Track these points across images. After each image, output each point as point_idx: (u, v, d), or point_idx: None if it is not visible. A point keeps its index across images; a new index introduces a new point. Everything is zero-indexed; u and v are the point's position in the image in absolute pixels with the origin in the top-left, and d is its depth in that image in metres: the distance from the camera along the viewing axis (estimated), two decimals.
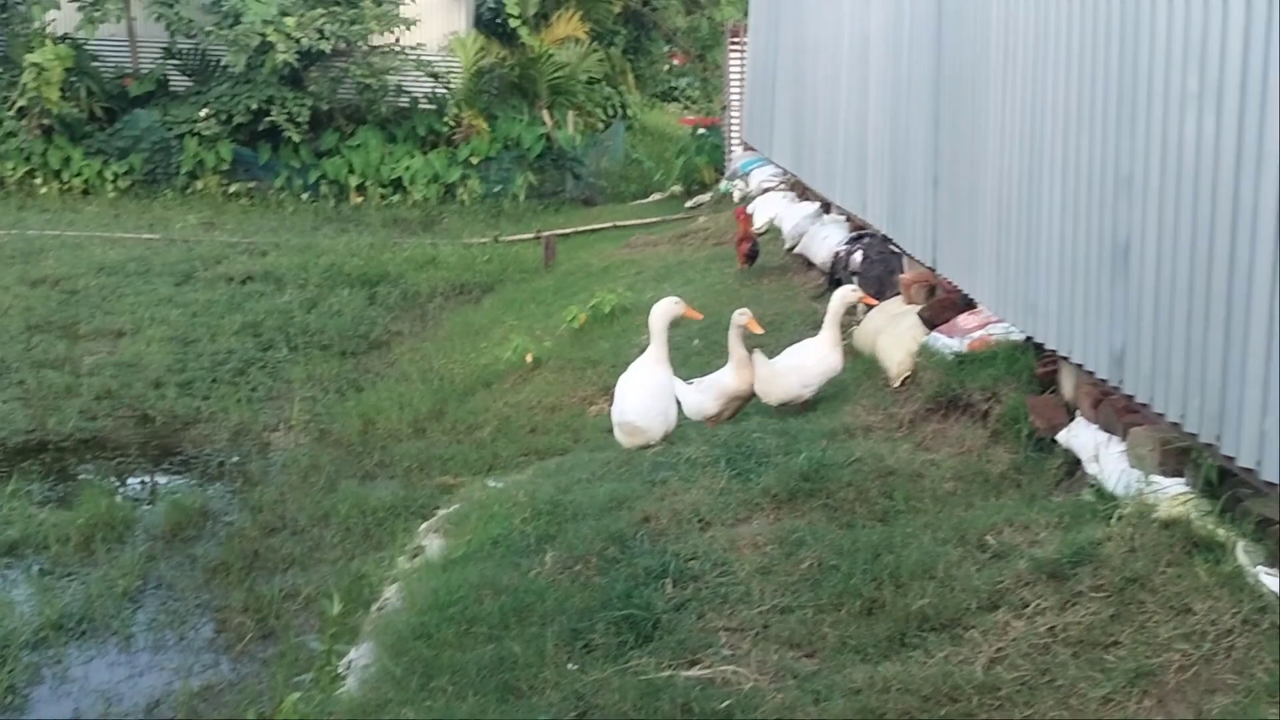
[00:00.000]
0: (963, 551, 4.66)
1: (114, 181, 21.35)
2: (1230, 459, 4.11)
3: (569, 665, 4.42)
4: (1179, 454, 4.49)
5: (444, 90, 22.59)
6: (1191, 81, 4.32)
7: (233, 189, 21.54)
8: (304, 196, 21.61)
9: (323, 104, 21.49)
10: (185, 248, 16.90)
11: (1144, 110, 4.71)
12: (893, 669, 3.97)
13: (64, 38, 21.24)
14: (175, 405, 10.74)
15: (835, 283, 10.31)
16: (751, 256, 11.93)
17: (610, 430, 8.51)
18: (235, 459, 9.61)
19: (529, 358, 10.37)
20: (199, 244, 17.19)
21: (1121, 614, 3.88)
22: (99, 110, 21.76)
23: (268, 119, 21.01)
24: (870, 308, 8.54)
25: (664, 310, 6.65)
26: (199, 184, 21.53)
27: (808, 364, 7.21)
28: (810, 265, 11.40)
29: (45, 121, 20.91)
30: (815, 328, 9.36)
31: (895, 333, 7.56)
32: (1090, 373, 5.27)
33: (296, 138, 21.20)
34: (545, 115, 22.84)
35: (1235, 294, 4.06)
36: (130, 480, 9.33)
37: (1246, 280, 3.98)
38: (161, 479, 9.34)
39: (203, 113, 21.24)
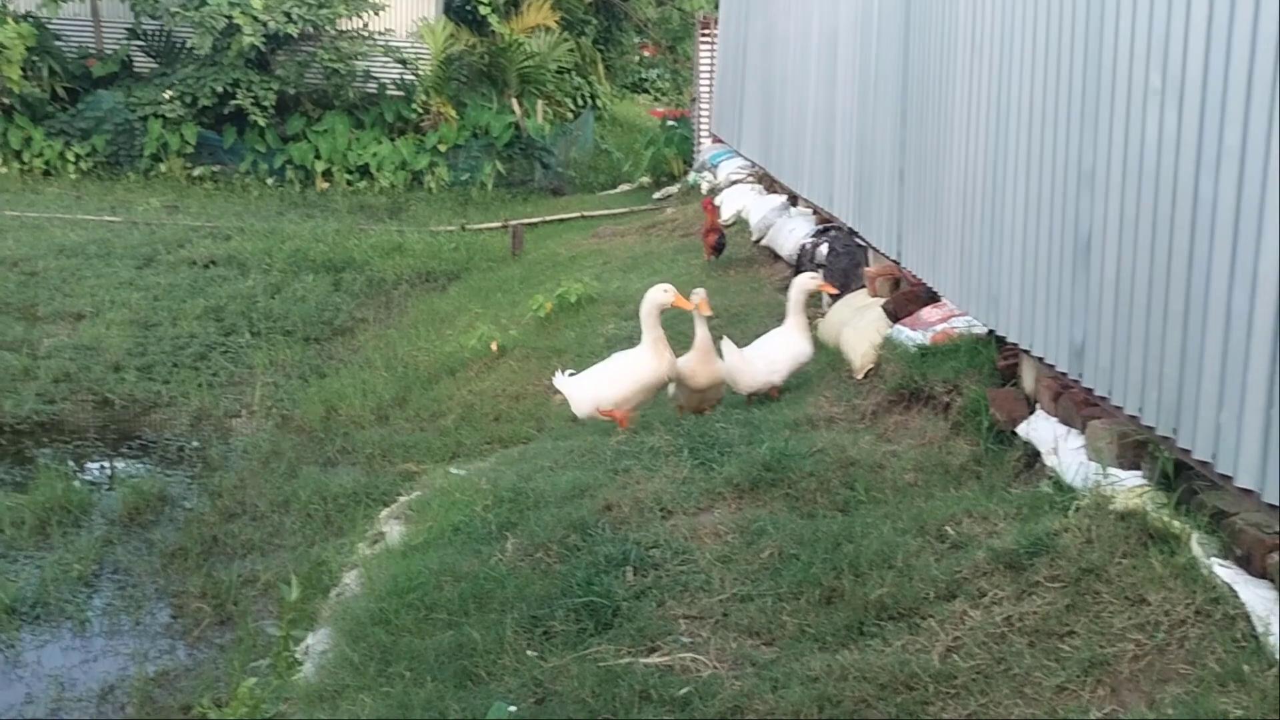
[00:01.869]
0: (922, 542, 4.69)
1: (76, 163, 21.07)
2: (1186, 452, 4.15)
3: (528, 652, 4.41)
4: (1136, 447, 4.53)
5: (412, 77, 22.44)
6: (1154, 77, 4.35)
7: (197, 172, 21.32)
8: (269, 181, 21.42)
9: (289, 88, 21.30)
10: (148, 231, 16.72)
11: (1107, 105, 4.74)
12: (850, 657, 3.99)
13: (26, 16, 20.94)
14: (135, 389, 10.63)
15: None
16: (719, 248, 11.94)
17: (575, 419, 8.53)
18: (195, 444, 9.53)
19: (494, 346, 10.34)
20: (162, 227, 17.01)
21: (1077, 604, 3.92)
22: (61, 90, 21.47)
23: (233, 102, 20.80)
24: (834, 297, 8.57)
25: (653, 299, 6.50)
26: (162, 167, 21.29)
27: (774, 351, 7.18)
28: (777, 257, 11.43)
29: (6, 101, 20.60)
30: (781, 319, 9.40)
31: (859, 325, 7.59)
32: (1051, 366, 5.31)
33: (262, 122, 21.00)
34: (514, 104, 22.74)
35: (1193, 288, 4.10)
36: (88, 464, 9.23)
37: (1204, 275, 4.02)
38: (120, 463, 9.23)
39: (167, 95, 20.99)
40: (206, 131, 21.42)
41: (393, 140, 22.02)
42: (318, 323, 13.06)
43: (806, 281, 7.41)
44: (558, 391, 9.47)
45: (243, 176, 21.45)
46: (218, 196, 20.27)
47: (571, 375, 7.08)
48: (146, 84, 21.51)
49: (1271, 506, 3.68)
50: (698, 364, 6.72)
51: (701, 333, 6.72)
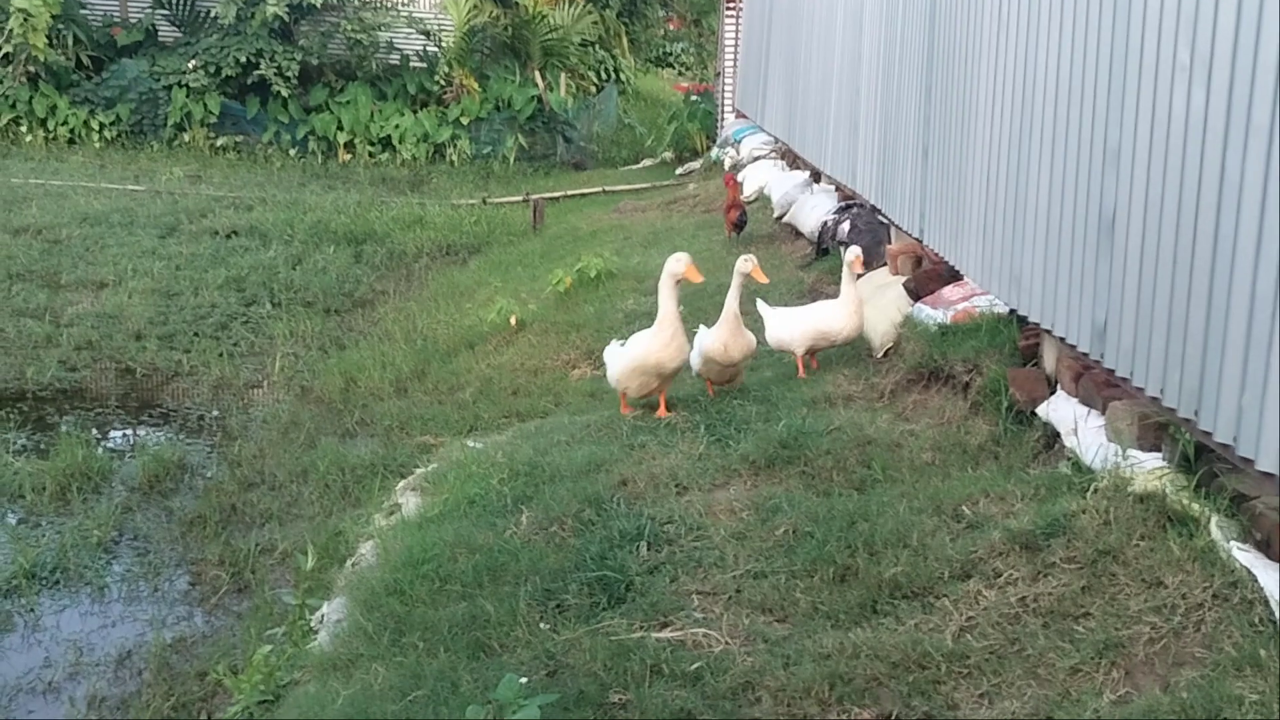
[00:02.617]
0: (938, 521, 4.66)
1: (100, 131, 21.15)
2: (1207, 434, 4.10)
3: (541, 625, 4.41)
4: (1157, 428, 4.48)
5: (435, 49, 22.40)
6: (1183, 53, 4.28)
7: (220, 142, 21.37)
8: (292, 152, 21.46)
9: (312, 59, 21.30)
10: (170, 200, 16.79)
11: (1134, 82, 4.67)
12: (863, 635, 3.97)
13: None
14: (156, 358, 10.69)
15: (823, 252, 10.29)
16: (739, 225, 11.90)
17: (593, 394, 8.53)
18: (215, 413, 9.58)
19: (513, 320, 10.34)
20: (184, 197, 17.07)
21: (1093, 586, 3.89)
22: (86, 59, 21.53)
23: (256, 72, 20.82)
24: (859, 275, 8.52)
25: (667, 268, 6.10)
26: (186, 136, 21.35)
27: (821, 320, 6.94)
28: (798, 234, 11.37)
29: (31, 69, 20.67)
30: (801, 296, 9.37)
31: (880, 303, 7.54)
32: (1072, 346, 5.26)
33: (285, 92, 21.01)
34: (537, 77, 22.67)
35: (1218, 269, 4.04)
36: (108, 432, 9.29)
37: (1229, 255, 3.96)
38: (140, 431, 9.29)
39: (191, 64, 21.02)
40: (230, 101, 21.45)
41: (415, 112, 22.00)
42: (338, 294, 13.09)
43: (856, 254, 6.98)
44: (576, 367, 9.52)
45: (265, 147, 21.49)
46: (240, 167, 20.32)
47: (622, 344, 6.60)
48: (171, 53, 21.55)
49: None
50: (728, 336, 6.31)
51: (733, 305, 6.31)
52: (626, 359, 6.20)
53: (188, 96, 21.14)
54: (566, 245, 13.86)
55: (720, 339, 6.32)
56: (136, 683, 5.83)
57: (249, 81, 21.08)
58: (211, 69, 20.95)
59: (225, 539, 7.15)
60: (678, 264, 6.08)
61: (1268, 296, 3.74)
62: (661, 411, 6.30)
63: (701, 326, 6.61)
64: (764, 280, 6.48)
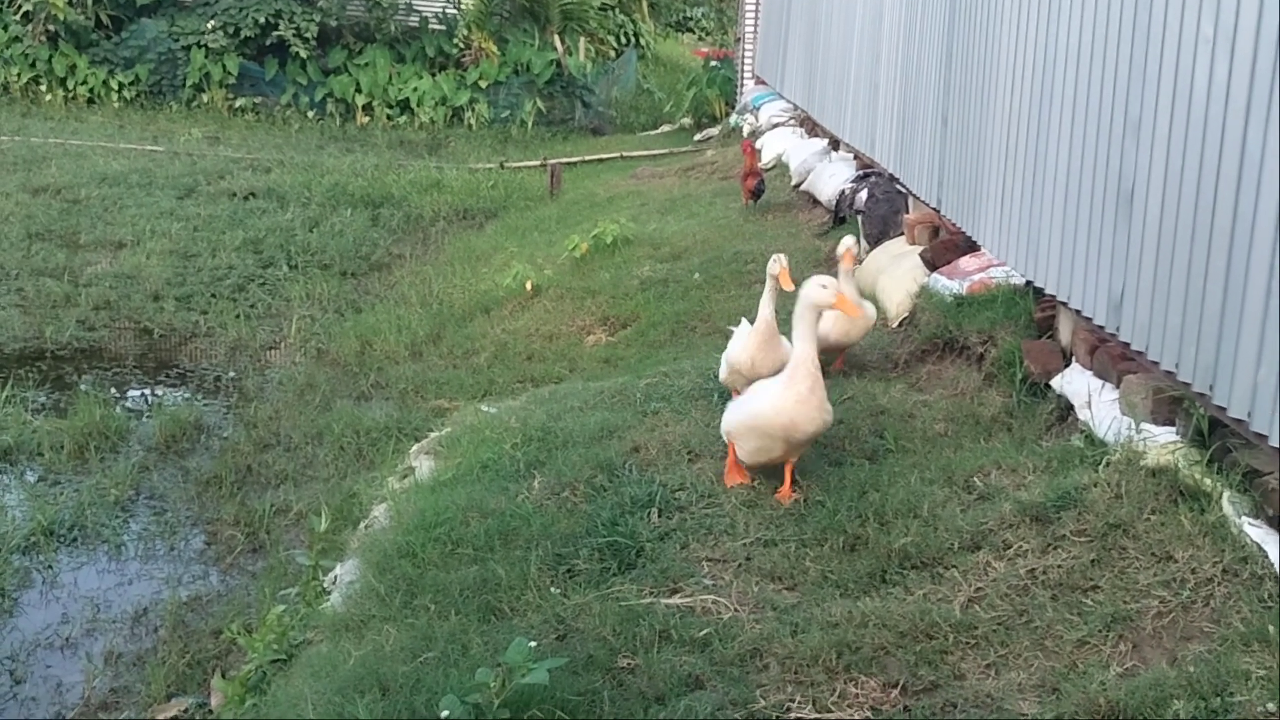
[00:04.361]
0: (949, 492, 4.66)
1: (119, 91, 21.17)
2: (1222, 409, 4.08)
3: (551, 589, 4.44)
4: (1171, 403, 4.46)
5: (454, 11, 22.29)
6: (1206, 25, 4.22)
7: (238, 104, 21.36)
8: (310, 114, 21.44)
9: (331, 20, 21.23)
10: (189, 161, 16.81)
11: (1156, 53, 4.61)
12: (871, 604, 3.99)
13: None
14: (174, 319, 10.75)
15: (840, 220, 10.24)
16: (757, 193, 11.84)
17: (607, 360, 8.55)
18: (232, 374, 9.64)
19: (529, 285, 10.34)
20: (203, 158, 17.10)
21: (1102, 559, 3.89)
22: (105, 18, 21.51)
23: (275, 33, 20.77)
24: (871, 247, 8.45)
25: (808, 297, 4.77)
26: (204, 97, 21.35)
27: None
28: (816, 203, 11.30)
29: (51, 28, 20.67)
30: (818, 265, 9.34)
31: (896, 273, 7.51)
32: (1088, 319, 5.23)
33: (304, 54, 20.97)
34: (556, 41, 22.54)
35: (1236, 244, 4.00)
36: (126, 391, 9.36)
37: (1248, 230, 3.93)
38: (157, 391, 9.36)
39: (210, 25, 20.99)
40: (248, 63, 21.43)
41: (433, 75, 21.93)
42: (355, 257, 13.11)
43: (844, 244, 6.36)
44: (591, 333, 9.52)
45: (283, 109, 21.48)
46: (258, 128, 20.32)
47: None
48: (190, 13, 21.51)
49: None
50: (756, 349, 5.51)
51: (766, 313, 5.53)
52: (744, 414, 4.86)
53: (206, 57, 21.12)
54: (583, 211, 13.84)
55: (748, 351, 5.52)
56: (152, 639, 5.91)
57: (268, 43, 21.05)
58: (230, 30, 20.92)
59: (241, 499, 7.21)
60: (820, 292, 4.73)
61: None
62: (784, 492, 4.89)
63: (743, 322, 5.89)
64: (789, 287, 5.34)
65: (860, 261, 8.40)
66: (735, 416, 4.92)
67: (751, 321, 5.67)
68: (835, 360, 6.18)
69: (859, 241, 7.28)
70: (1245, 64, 3.97)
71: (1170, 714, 3.05)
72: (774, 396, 4.73)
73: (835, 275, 5.84)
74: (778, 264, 5.49)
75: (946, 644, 3.73)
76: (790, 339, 5.00)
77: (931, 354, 6.45)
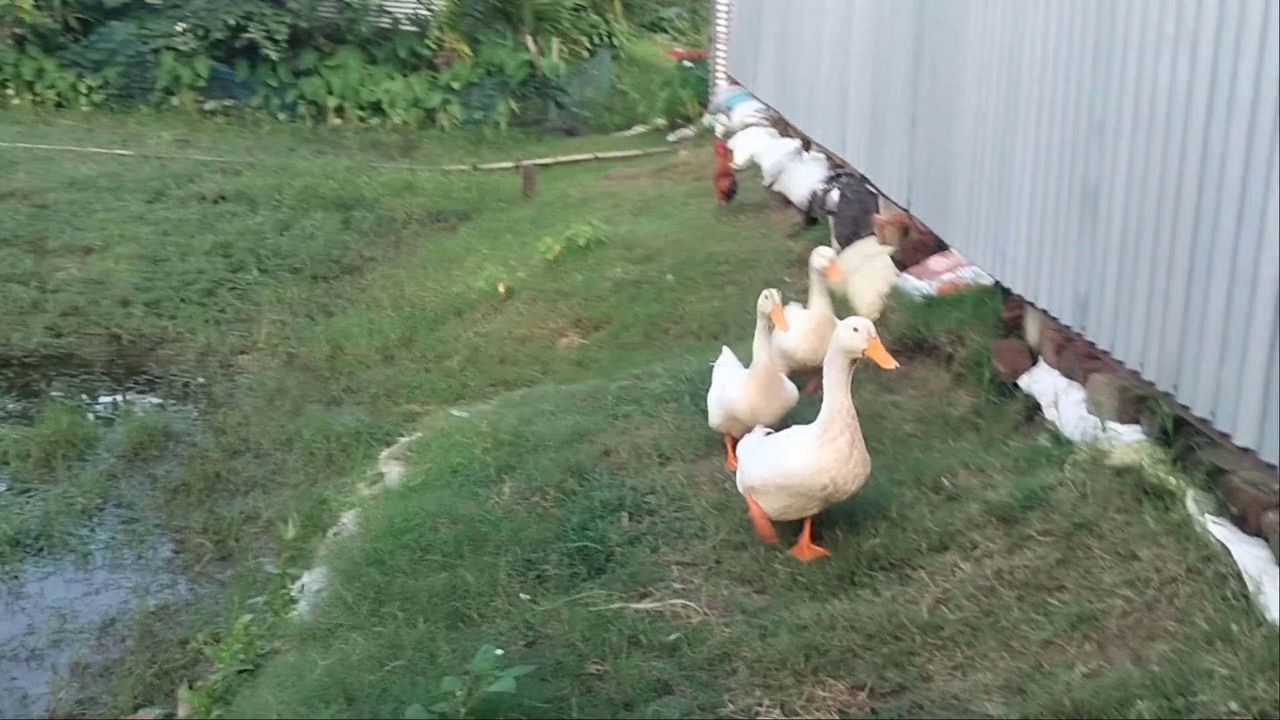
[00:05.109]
0: (917, 493, 4.67)
1: (88, 95, 20.98)
2: (1186, 408, 4.10)
3: (521, 595, 4.42)
4: (1137, 402, 4.48)
5: (426, 12, 22.20)
6: (1168, 24, 4.24)
7: (209, 106, 21.21)
8: (281, 116, 21.32)
9: (302, 22, 21.12)
10: (158, 165, 16.68)
11: (1120, 53, 4.63)
12: (840, 607, 3.98)
13: None
14: (142, 324, 10.66)
15: (812, 221, 10.25)
16: (730, 193, 11.84)
17: (579, 363, 8.52)
18: (201, 380, 9.56)
19: (501, 288, 10.31)
20: (172, 161, 16.97)
21: (1068, 559, 3.90)
22: (73, 21, 21.32)
23: (246, 36, 20.64)
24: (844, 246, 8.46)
25: (842, 342, 4.29)
26: (174, 100, 21.19)
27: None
28: (788, 203, 11.31)
29: (18, 31, 20.47)
30: (789, 266, 9.34)
31: (867, 273, 7.53)
32: (1055, 318, 5.25)
33: (275, 56, 20.85)
34: (529, 41, 22.49)
35: (1199, 243, 4.03)
36: (94, 398, 9.27)
37: (1211, 229, 3.95)
38: (126, 398, 9.27)
39: (180, 27, 20.85)
40: (219, 65, 21.29)
41: (405, 77, 21.84)
42: (326, 261, 13.04)
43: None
44: (564, 335, 9.50)
45: (254, 111, 21.34)
46: (229, 131, 20.18)
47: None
48: (159, 15, 21.35)
49: (1269, 465, 3.64)
50: (757, 395, 5.05)
51: (763, 356, 5.09)
52: (775, 472, 4.34)
53: (176, 60, 20.97)
54: (557, 212, 13.80)
55: (749, 400, 5.05)
56: (120, 650, 5.85)
57: (238, 45, 20.91)
58: (200, 32, 20.77)
59: (209, 507, 7.15)
60: (852, 337, 4.24)
61: (1248, 269, 3.73)
62: (802, 546, 4.41)
63: (726, 354, 5.51)
64: (784, 327, 5.12)
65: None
66: (761, 473, 4.40)
67: (739, 356, 5.39)
68: (809, 382, 5.79)
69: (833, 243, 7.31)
70: (1206, 63, 3.99)
71: (1134, 714, 3.06)
72: (810, 453, 4.23)
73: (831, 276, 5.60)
74: (770, 301, 5.04)
75: (914, 645, 3.73)
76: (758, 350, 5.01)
77: (901, 354, 6.45)
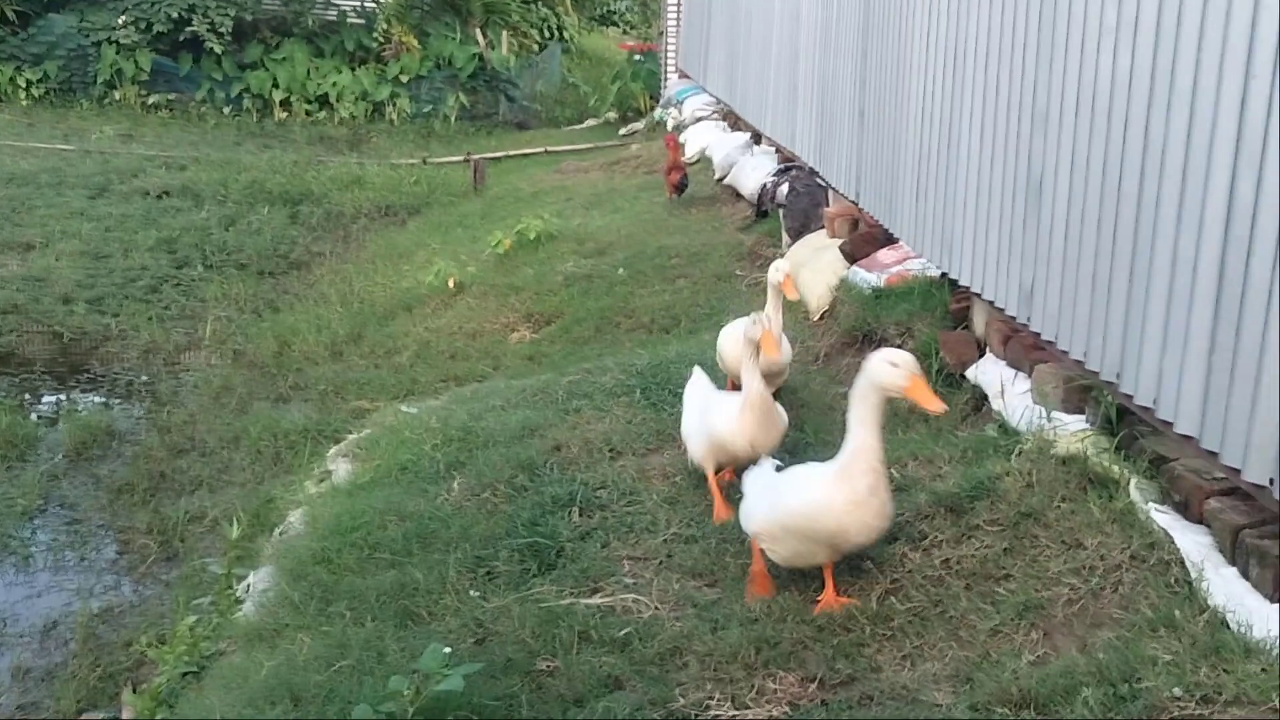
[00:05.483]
0: None
1: (27, 89, 20.58)
2: (1129, 397, 4.14)
3: (470, 592, 4.38)
4: (1081, 391, 4.52)
5: (373, 4, 21.98)
6: (1109, 15, 4.28)
7: (152, 100, 20.89)
8: (226, 110, 21.03)
9: (246, 14, 20.84)
10: (101, 160, 16.40)
11: (1062, 44, 4.67)
12: (791, 599, 3.99)
13: None
14: (85, 322, 10.48)
15: (762, 214, 10.27)
16: (681, 187, 11.84)
17: (530, 358, 8.48)
18: (145, 378, 9.41)
19: (452, 283, 10.23)
20: (115, 156, 16.68)
21: (1015, 548, 3.92)
22: (11, 14, 20.88)
23: (189, 28, 20.32)
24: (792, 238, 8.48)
25: (877, 376, 3.80)
26: (117, 94, 20.84)
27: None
28: (739, 196, 11.33)
29: None
30: (740, 259, 9.36)
31: (817, 266, 7.55)
32: (1001, 310, 5.29)
33: (219, 49, 20.55)
34: (478, 35, 22.35)
35: (1140, 233, 4.07)
36: (35, 398, 9.09)
37: (1152, 219, 3.99)
38: (68, 397, 9.10)
39: (121, 20, 20.48)
40: (162, 59, 20.96)
41: (353, 70, 21.63)
42: (273, 256, 12.88)
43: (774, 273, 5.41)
44: (515, 330, 9.44)
45: (199, 105, 21.05)
46: (173, 125, 19.89)
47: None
48: (100, 8, 20.97)
49: (1210, 452, 3.69)
50: (754, 427, 4.67)
51: (756, 384, 4.69)
52: (781, 511, 3.94)
53: (118, 53, 20.62)
54: (508, 206, 13.73)
55: (746, 434, 4.67)
56: (63, 653, 5.75)
57: (181, 38, 20.59)
58: (142, 25, 20.43)
59: (154, 507, 7.04)
60: (890, 373, 3.76)
61: (1187, 260, 3.77)
62: (829, 599, 3.93)
63: (697, 373, 5.27)
64: (775, 355, 4.91)
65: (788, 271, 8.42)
66: (766, 513, 3.99)
67: (707, 369, 5.25)
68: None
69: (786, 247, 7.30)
70: (1146, 54, 4.03)
71: (1080, 701, 3.08)
72: (819, 492, 3.82)
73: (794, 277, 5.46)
74: (759, 326, 4.69)
75: (863, 636, 3.75)
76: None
77: (851, 346, 6.48)
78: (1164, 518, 3.75)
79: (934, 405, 3.75)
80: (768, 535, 4.01)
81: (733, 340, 5.40)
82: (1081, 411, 4.50)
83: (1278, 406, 3.33)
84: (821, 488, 3.82)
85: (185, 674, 4.51)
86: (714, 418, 4.76)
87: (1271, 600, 3.30)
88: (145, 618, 5.84)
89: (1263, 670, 3.03)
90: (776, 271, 5.21)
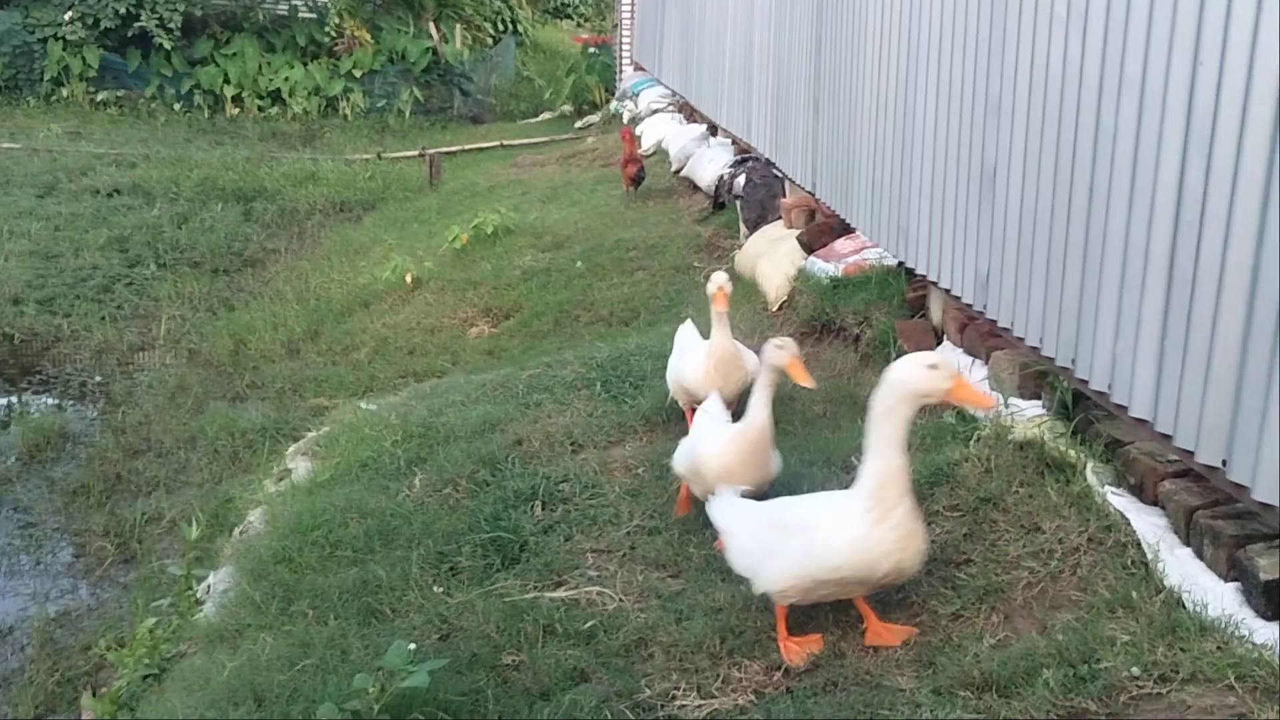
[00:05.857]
0: (828, 473, 4.71)
1: None
2: (1084, 382, 4.20)
3: (434, 588, 4.37)
4: (1037, 377, 4.58)
5: None
6: (1059, 4, 4.33)
7: (100, 97, 20.57)
8: (176, 107, 20.76)
9: (196, 9, 20.57)
10: (49, 158, 16.14)
11: (1014, 32, 4.71)
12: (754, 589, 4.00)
13: None
14: (35, 323, 10.32)
15: (719, 205, 10.30)
16: (637, 180, 11.83)
17: (490, 353, 8.45)
18: (98, 379, 9.29)
19: (409, 278, 10.18)
20: (64, 154, 16.43)
21: (974, 533, 3.97)
22: None
23: (137, 24, 20.03)
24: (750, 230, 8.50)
25: (907, 381, 3.50)
26: (64, 91, 20.51)
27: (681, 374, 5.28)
28: (696, 188, 11.35)
29: None
30: (698, 251, 9.38)
31: (775, 257, 7.58)
32: (957, 297, 5.34)
33: (168, 44, 20.27)
34: (432, 28, 22.20)
35: (1093, 219, 4.12)
36: None
37: (1104, 206, 4.04)
38: (20, 399, 8.96)
39: (67, 15, 20.14)
40: (110, 55, 20.64)
41: (305, 65, 21.41)
42: (227, 254, 12.75)
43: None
44: (474, 325, 9.40)
45: (148, 102, 20.75)
46: (122, 122, 19.61)
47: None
48: (45, 4, 20.61)
49: (1164, 436, 3.74)
50: (736, 460, 4.26)
51: (763, 414, 4.26)
52: (810, 564, 3.46)
53: (65, 49, 20.28)
54: (464, 201, 13.67)
55: (726, 460, 4.27)
56: (19, 658, 5.67)
57: (130, 34, 20.29)
58: (89, 20, 20.11)
59: (110, 509, 6.96)
60: (928, 377, 3.46)
61: (1139, 246, 3.83)
62: (879, 630, 3.60)
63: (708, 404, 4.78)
64: (809, 384, 4.38)
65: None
66: (790, 567, 3.48)
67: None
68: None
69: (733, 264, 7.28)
70: (1097, 42, 4.08)
71: (1041, 682, 3.12)
72: (859, 535, 3.35)
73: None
74: (784, 351, 4.26)
75: (826, 624, 3.77)
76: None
77: (810, 336, 6.52)
78: (1120, 500, 3.81)
79: (985, 402, 3.54)
80: (797, 590, 3.49)
81: (697, 368, 5.04)
82: (1038, 397, 4.56)
83: (1230, 389, 3.39)
84: (863, 526, 3.31)
85: (146, 677, 4.46)
86: (704, 444, 4.38)
87: (1225, 579, 3.36)
88: (104, 621, 5.77)
89: (1218, 648, 3.08)
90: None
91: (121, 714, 4.41)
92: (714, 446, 4.31)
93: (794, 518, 3.59)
